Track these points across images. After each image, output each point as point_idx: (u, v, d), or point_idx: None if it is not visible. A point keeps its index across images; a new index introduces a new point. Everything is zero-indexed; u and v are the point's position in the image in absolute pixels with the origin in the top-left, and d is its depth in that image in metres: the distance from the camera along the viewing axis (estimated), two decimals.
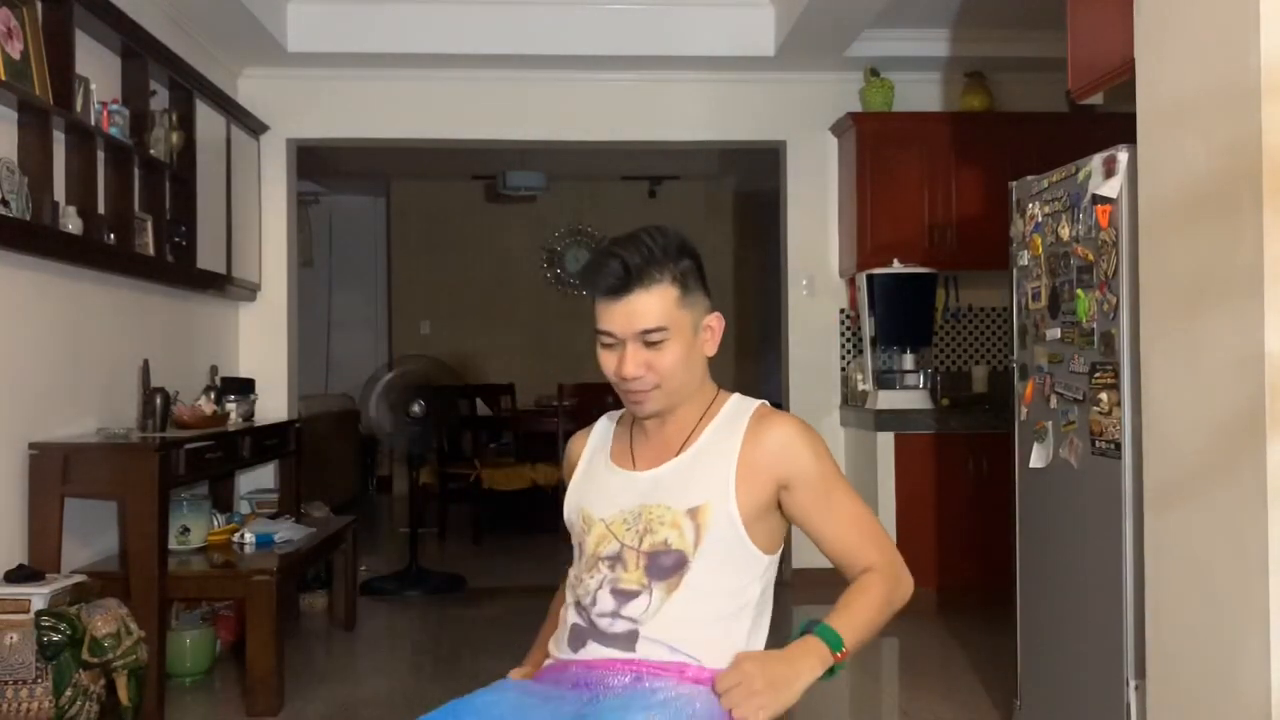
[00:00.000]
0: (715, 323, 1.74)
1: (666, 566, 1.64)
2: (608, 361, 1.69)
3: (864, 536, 1.70)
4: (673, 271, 1.65)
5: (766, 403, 1.77)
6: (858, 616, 1.62)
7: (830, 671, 1.57)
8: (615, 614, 1.64)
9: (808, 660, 1.54)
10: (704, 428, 1.73)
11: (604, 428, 1.87)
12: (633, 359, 1.65)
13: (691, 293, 1.68)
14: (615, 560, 1.67)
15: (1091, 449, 2.86)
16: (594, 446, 1.84)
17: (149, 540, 3.36)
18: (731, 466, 1.67)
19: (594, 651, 1.64)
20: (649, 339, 1.64)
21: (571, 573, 1.75)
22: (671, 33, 5.25)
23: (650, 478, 1.71)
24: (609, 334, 1.66)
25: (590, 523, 1.72)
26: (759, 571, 1.69)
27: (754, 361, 8.99)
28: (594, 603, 1.66)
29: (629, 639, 1.62)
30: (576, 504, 1.78)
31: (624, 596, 1.64)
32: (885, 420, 4.99)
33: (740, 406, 1.76)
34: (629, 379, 1.66)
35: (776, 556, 1.72)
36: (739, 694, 1.49)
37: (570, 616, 1.70)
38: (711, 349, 1.74)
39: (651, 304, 1.63)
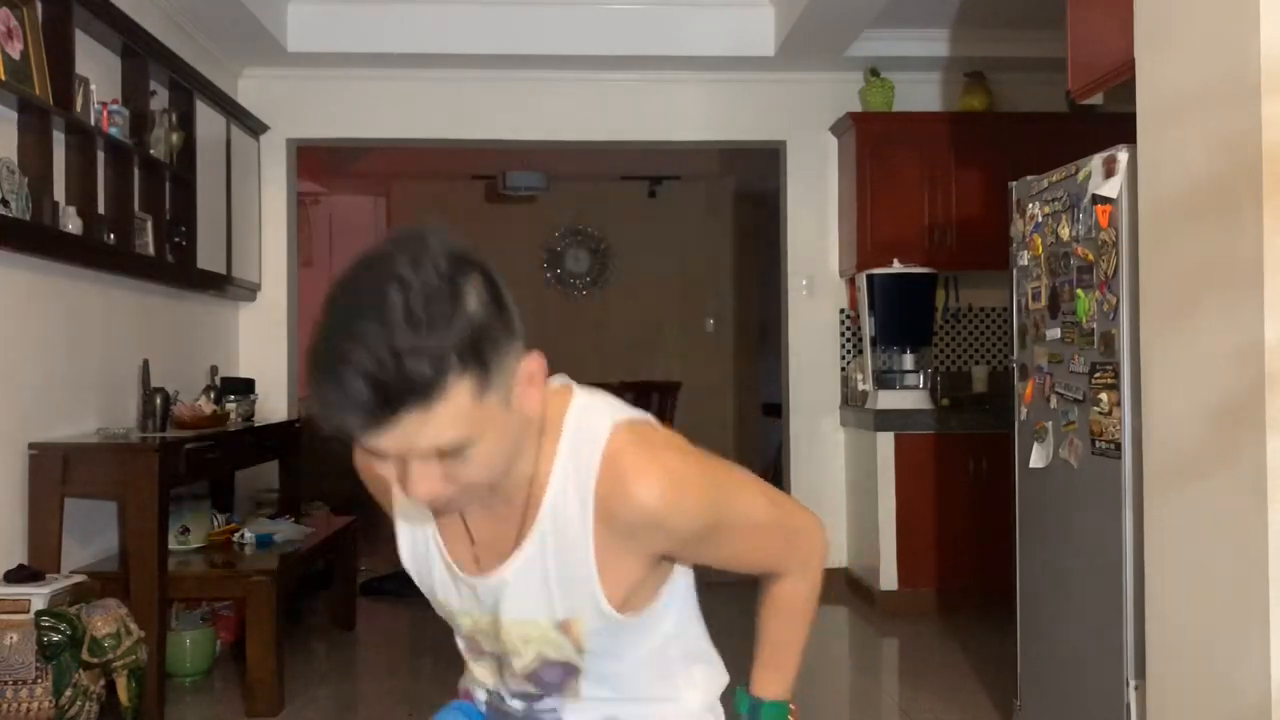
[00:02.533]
0: (535, 366, 1.14)
1: (554, 681, 1.34)
2: (383, 471, 1.11)
3: (767, 553, 1.38)
4: (459, 356, 1.02)
5: (615, 427, 1.22)
6: (789, 661, 1.47)
7: None
8: (529, 714, 1.39)
9: None
10: (541, 496, 1.22)
11: None
12: (423, 478, 1.09)
13: (494, 367, 1.06)
14: (500, 660, 1.36)
15: (1091, 449, 2.86)
16: (409, 503, 1.31)
17: (149, 540, 3.36)
18: (590, 566, 1.23)
19: None
20: (445, 453, 1.08)
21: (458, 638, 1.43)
22: (671, 33, 5.25)
23: (495, 584, 1.27)
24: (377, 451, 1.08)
25: (449, 612, 1.36)
26: (661, 608, 1.35)
27: (754, 361, 8.99)
28: (502, 699, 1.40)
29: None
30: (423, 582, 1.36)
31: (527, 698, 1.38)
32: (885, 420, 4.99)
33: (577, 452, 1.21)
34: (425, 500, 1.14)
35: (678, 577, 1.36)
36: None
37: (475, 691, 1.45)
38: (535, 403, 1.15)
39: (439, 423, 1.04)
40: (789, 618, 1.44)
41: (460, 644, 1.43)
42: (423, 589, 1.37)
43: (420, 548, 1.33)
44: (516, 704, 1.38)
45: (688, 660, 1.42)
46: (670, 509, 1.20)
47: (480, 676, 1.41)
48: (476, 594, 1.29)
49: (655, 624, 1.35)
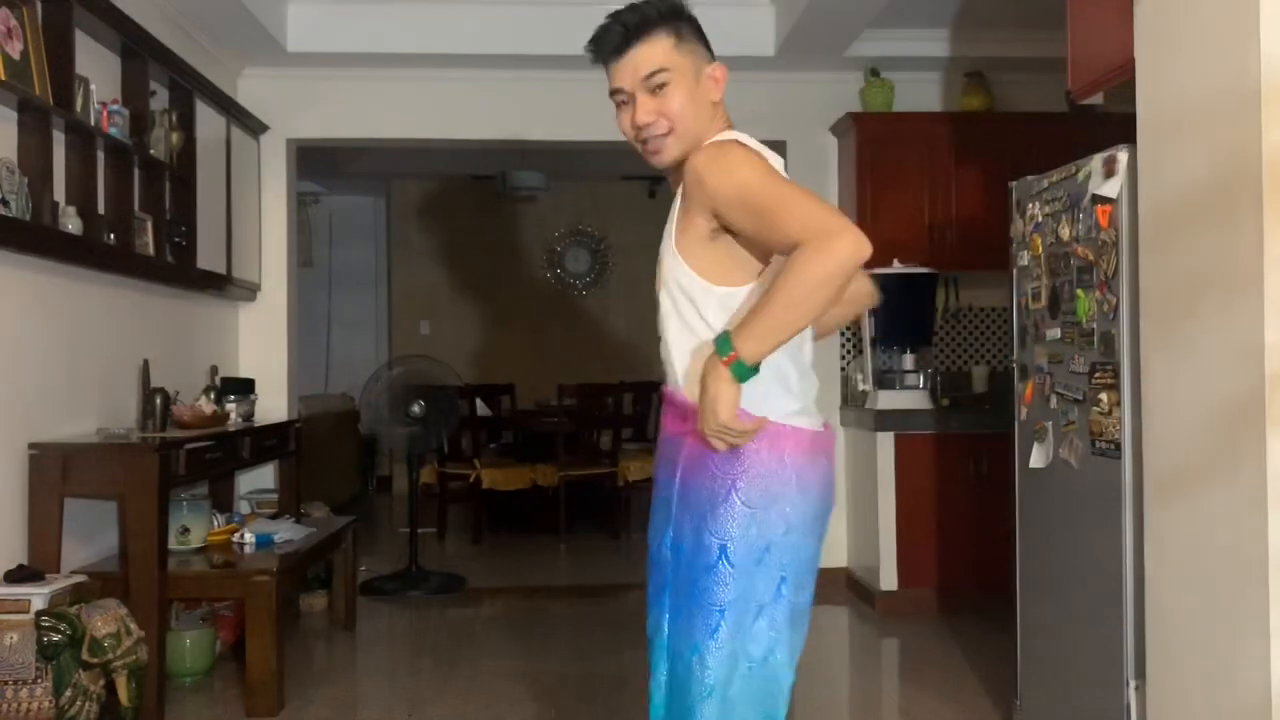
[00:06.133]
0: (718, 72, 1.86)
1: (660, 313, 1.86)
2: (624, 122, 1.84)
3: (790, 227, 1.66)
4: (667, 25, 1.79)
5: (728, 136, 1.81)
6: (760, 311, 1.66)
7: (738, 373, 1.66)
8: None
9: (711, 378, 1.68)
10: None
11: None
12: (643, 108, 1.80)
13: (687, 41, 1.82)
14: None
15: (1091, 449, 2.86)
16: None
17: (149, 540, 3.36)
18: (673, 216, 1.81)
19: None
20: (653, 83, 1.79)
21: None
22: None
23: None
24: (619, 91, 1.83)
25: None
26: (714, 303, 1.77)
27: None
28: None
29: None
30: None
31: None
32: (885, 420, 4.99)
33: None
34: (642, 127, 1.80)
35: (738, 289, 1.77)
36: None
37: None
38: (715, 92, 1.86)
39: (650, 53, 1.79)
40: (781, 280, 1.63)
41: None
42: None
43: None
44: None
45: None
46: (702, 166, 1.72)
47: None
48: None
49: (700, 311, 1.77)
